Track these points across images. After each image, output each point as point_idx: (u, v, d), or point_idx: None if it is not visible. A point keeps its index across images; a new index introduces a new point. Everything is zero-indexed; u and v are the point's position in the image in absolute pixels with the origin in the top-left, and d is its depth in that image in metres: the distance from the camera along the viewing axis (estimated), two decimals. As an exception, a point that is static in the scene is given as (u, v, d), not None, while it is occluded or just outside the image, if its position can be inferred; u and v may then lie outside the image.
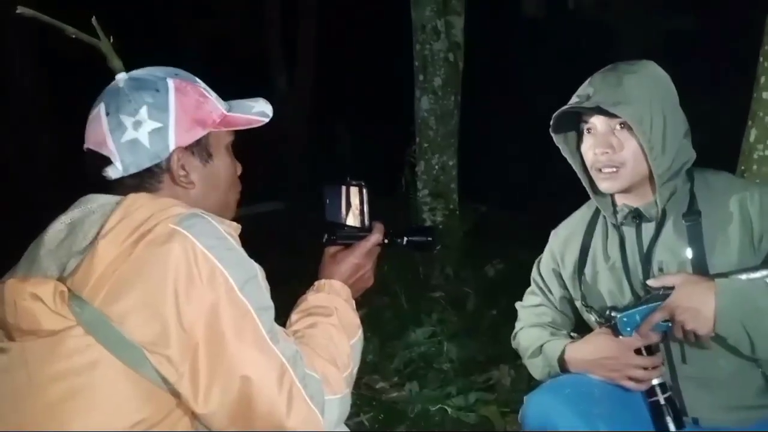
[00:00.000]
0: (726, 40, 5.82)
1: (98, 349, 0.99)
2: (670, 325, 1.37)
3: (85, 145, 1.17)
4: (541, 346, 1.57)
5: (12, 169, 7.60)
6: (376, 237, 1.33)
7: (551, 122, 1.51)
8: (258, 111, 1.26)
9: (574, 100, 1.46)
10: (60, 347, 1.00)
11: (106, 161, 1.14)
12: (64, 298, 1.00)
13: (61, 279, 1.03)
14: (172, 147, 1.15)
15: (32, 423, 1.00)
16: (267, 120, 1.26)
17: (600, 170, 1.46)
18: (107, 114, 1.14)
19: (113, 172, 1.14)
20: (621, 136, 1.44)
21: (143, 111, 1.13)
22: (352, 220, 1.34)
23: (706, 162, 1.52)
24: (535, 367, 1.60)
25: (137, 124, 1.13)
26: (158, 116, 1.14)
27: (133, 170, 1.14)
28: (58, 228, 1.11)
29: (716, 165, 1.57)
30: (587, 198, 1.60)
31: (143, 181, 1.15)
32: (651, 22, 6.77)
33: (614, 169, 1.44)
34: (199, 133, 1.18)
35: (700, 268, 1.41)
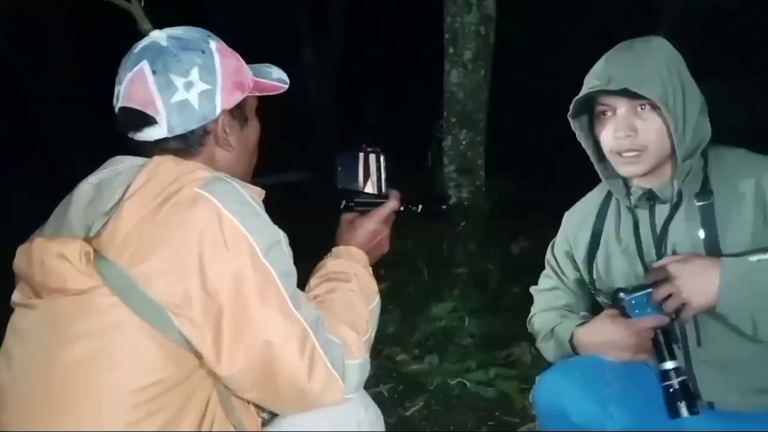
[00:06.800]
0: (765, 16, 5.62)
1: (123, 309, 1.01)
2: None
3: (124, 104, 1.14)
4: (552, 329, 1.57)
5: (46, 138, 7.76)
6: (392, 204, 1.35)
7: (571, 108, 1.47)
8: (277, 77, 1.27)
9: (593, 83, 1.41)
10: (86, 306, 1.03)
11: (149, 121, 1.12)
12: (90, 258, 1.02)
13: (87, 239, 1.04)
14: (218, 110, 1.15)
15: (60, 378, 1.03)
16: (287, 87, 1.27)
17: (620, 154, 1.42)
18: (154, 73, 1.12)
19: (156, 132, 1.13)
20: (644, 116, 1.40)
21: (194, 72, 1.13)
22: (369, 187, 1.35)
23: (747, 140, 1.47)
24: (548, 351, 1.59)
25: (188, 85, 1.12)
26: (207, 78, 1.14)
27: (178, 131, 1.14)
28: (85, 188, 1.13)
29: (757, 143, 1.51)
30: None
31: (186, 142, 1.15)
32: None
33: (636, 153, 1.40)
34: (239, 97, 1.19)
35: (713, 249, 1.38)
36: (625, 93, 1.38)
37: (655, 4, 6.74)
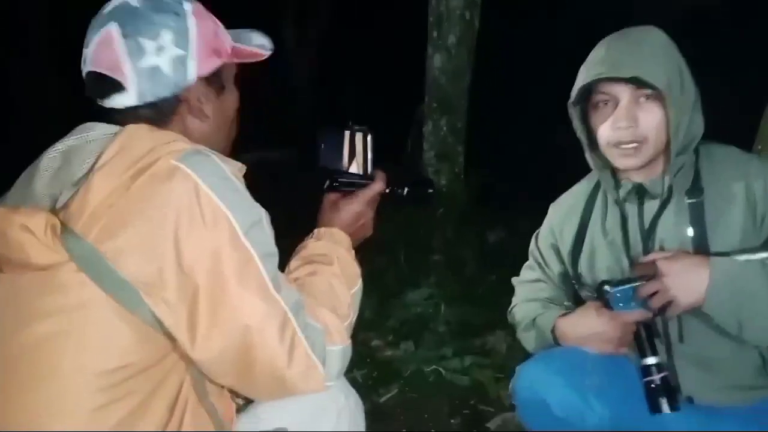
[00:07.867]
0: (748, 18, 5.67)
1: (91, 286, 0.95)
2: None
3: (92, 68, 1.07)
4: (534, 319, 1.54)
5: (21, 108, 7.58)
6: (379, 185, 1.30)
7: (575, 94, 1.42)
8: (259, 43, 1.20)
9: (599, 69, 1.36)
10: (51, 283, 0.96)
11: (117, 87, 1.06)
12: (56, 231, 0.95)
13: (53, 211, 0.98)
14: (193, 77, 1.09)
15: (20, 357, 0.96)
16: (270, 53, 1.21)
17: (618, 146, 1.38)
18: (124, 36, 1.05)
19: (125, 99, 1.06)
20: (646, 107, 1.36)
21: (166, 36, 1.06)
22: (354, 167, 1.29)
23: (725, 140, 1.46)
24: (529, 341, 1.57)
25: (159, 50, 1.05)
26: (181, 43, 1.07)
27: (148, 99, 1.07)
28: (51, 156, 1.05)
29: (735, 144, 1.49)
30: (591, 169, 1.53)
31: (158, 111, 1.08)
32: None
33: (635, 145, 1.37)
34: (216, 63, 1.12)
35: (701, 247, 1.37)
36: (630, 82, 1.34)
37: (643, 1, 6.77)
